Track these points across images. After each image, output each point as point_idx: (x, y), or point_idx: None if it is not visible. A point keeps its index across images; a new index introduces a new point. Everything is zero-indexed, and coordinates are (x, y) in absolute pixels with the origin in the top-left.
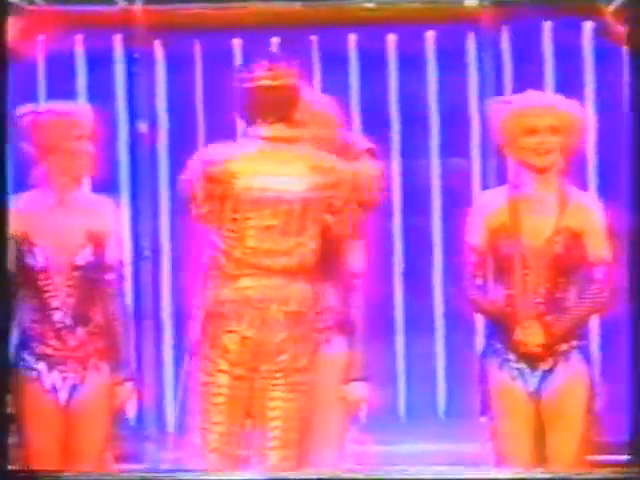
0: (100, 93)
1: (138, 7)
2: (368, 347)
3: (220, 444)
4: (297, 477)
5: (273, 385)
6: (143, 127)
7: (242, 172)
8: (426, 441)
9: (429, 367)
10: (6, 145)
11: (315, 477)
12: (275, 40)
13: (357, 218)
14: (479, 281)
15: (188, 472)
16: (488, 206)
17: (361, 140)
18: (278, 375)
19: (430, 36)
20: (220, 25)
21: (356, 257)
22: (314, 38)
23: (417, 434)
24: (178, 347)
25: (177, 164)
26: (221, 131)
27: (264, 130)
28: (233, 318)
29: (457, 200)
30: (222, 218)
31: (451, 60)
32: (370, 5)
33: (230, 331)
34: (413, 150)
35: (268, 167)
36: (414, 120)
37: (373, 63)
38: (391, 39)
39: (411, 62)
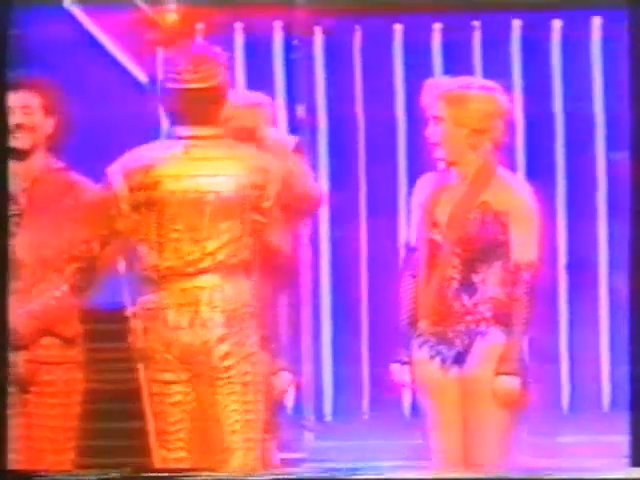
0: (260, 80)
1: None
2: (527, 340)
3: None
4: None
5: (215, 385)
6: (302, 112)
7: (166, 175)
8: (588, 433)
9: (593, 359)
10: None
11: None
12: (437, 26)
13: (288, 216)
14: None
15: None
16: None
17: (287, 136)
18: (209, 375)
19: (596, 23)
20: (380, 12)
21: (522, 248)
22: (476, 23)
23: (580, 426)
24: (335, 337)
25: (335, 148)
26: (379, 116)
27: (189, 130)
28: (159, 325)
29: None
30: (147, 226)
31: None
32: None
33: (156, 339)
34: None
35: (194, 168)
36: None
37: (536, 50)
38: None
39: (575, 48)
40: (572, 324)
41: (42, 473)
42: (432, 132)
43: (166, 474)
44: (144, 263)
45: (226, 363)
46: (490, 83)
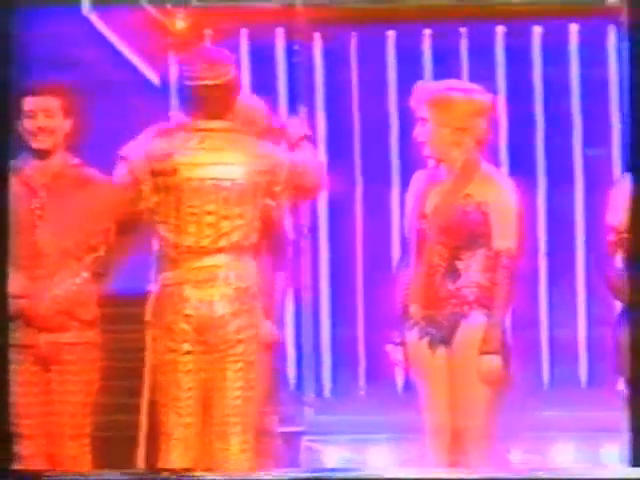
0: (263, 82)
1: (299, 3)
2: (508, 321)
3: (182, 435)
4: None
5: (226, 359)
6: (302, 112)
7: (184, 164)
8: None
9: (571, 339)
10: (8, 135)
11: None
12: (427, 32)
13: (297, 202)
14: (616, 260)
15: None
16: None
17: (298, 126)
18: (222, 347)
19: (574, 30)
20: (374, 20)
21: (502, 236)
22: (463, 30)
23: (559, 402)
24: (335, 317)
25: (333, 145)
26: (373, 115)
27: (204, 124)
28: (178, 299)
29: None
30: (167, 208)
31: (591, 53)
32: (516, 0)
33: (176, 311)
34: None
35: (208, 158)
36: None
37: (518, 55)
38: (537, 32)
39: (555, 54)
40: (551, 307)
41: (50, 473)
42: (419, 132)
43: (174, 475)
44: (164, 242)
45: (239, 337)
46: (471, 85)
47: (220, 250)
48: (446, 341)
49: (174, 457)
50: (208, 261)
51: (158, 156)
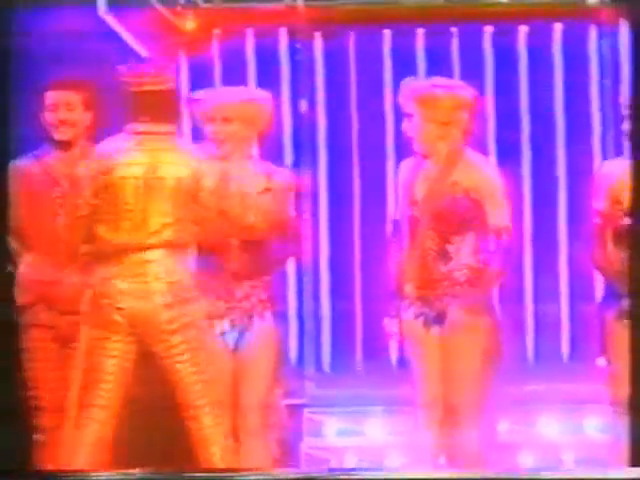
0: (268, 79)
1: (301, 4)
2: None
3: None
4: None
5: (163, 348)
6: (304, 107)
7: (120, 163)
8: (551, 382)
9: (554, 315)
10: (8, 132)
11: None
12: (420, 31)
13: (223, 203)
14: (601, 241)
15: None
16: None
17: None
18: (162, 338)
19: (557, 29)
20: (371, 20)
21: (497, 215)
22: (454, 30)
23: (543, 376)
24: (333, 298)
25: (332, 138)
26: (370, 108)
27: (144, 127)
28: (112, 293)
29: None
30: (105, 207)
31: (573, 51)
32: (504, 1)
33: (109, 305)
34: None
35: (143, 158)
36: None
37: (505, 53)
38: (522, 31)
39: (539, 54)
40: (536, 285)
41: (60, 473)
42: (407, 127)
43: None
44: (100, 240)
45: (172, 327)
46: (454, 81)
47: (151, 246)
48: (439, 320)
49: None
50: (140, 257)
51: (97, 158)
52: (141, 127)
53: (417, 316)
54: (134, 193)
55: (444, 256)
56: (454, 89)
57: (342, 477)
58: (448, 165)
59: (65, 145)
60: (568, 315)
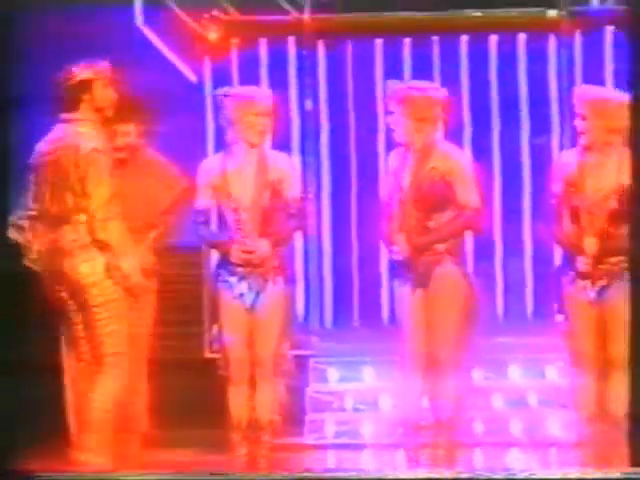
0: (278, 81)
1: (306, 17)
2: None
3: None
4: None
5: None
6: (309, 104)
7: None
8: (517, 336)
9: (520, 278)
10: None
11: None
12: (407, 41)
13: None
14: (557, 218)
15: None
16: None
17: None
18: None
19: (522, 39)
20: (365, 31)
21: (465, 194)
22: (435, 39)
23: (510, 330)
24: (335, 266)
25: (334, 132)
26: (365, 106)
27: (64, 115)
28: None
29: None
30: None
31: (536, 56)
32: (477, 14)
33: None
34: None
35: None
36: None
37: (479, 59)
38: (493, 40)
39: (507, 59)
40: (504, 252)
41: (43, 473)
42: (390, 122)
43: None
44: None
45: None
46: (429, 84)
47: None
48: (424, 284)
49: None
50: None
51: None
52: (63, 115)
53: (405, 281)
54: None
55: (426, 231)
56: (427, 91)
57: (343, 477)
58: (424, 154)
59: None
60: (532, 279)
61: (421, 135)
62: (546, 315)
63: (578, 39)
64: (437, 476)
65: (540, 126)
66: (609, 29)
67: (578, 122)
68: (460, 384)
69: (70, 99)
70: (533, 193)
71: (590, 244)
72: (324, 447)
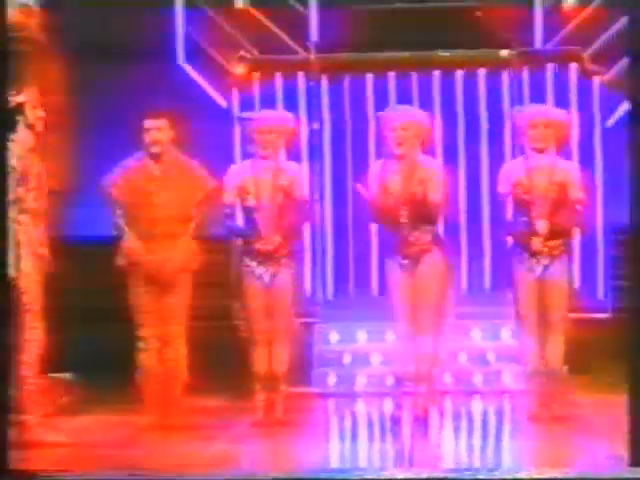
0: (291, 107)
1: (312, 58)
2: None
3: None
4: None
5: None
6: (315, 126)
7: None
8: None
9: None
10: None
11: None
12: (391, 75)
13: None
14: (506, 215)
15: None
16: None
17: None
18: None
19: (482, 74)
20: (359, 68)
21: (434, 192)
22: (414, 74)
23: (473, 300)
24: (335, 249)
25: (334, 147)
26: (359, 126)
27: None
28: None
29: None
30: None
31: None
32: (446, 54)
33: None
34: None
35: None
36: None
37: (448, 90)
38: (459, 77)
39: (471, 90)
40: (470, 243)
41: (43, 473)
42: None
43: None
44: None
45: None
46: (409, 108)
47: None
48: (413, 267)
49: None
50: None
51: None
52: None
53: (398, 265)
54: None
55: (415, 226)
56: (409, 117)
57: (344, 477)
58: (408, 166)
59: (156, 156)
60: (489, 261)
61: (403, 147)
62: (500, 289)
63: (525, 74)
64: (437, 476)
65: (495, 142)
66: (549, 65)
67: (531, 132)
68: (436, 343)
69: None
70: (490, 192)
71: (541, 227)
72: (326, 395)
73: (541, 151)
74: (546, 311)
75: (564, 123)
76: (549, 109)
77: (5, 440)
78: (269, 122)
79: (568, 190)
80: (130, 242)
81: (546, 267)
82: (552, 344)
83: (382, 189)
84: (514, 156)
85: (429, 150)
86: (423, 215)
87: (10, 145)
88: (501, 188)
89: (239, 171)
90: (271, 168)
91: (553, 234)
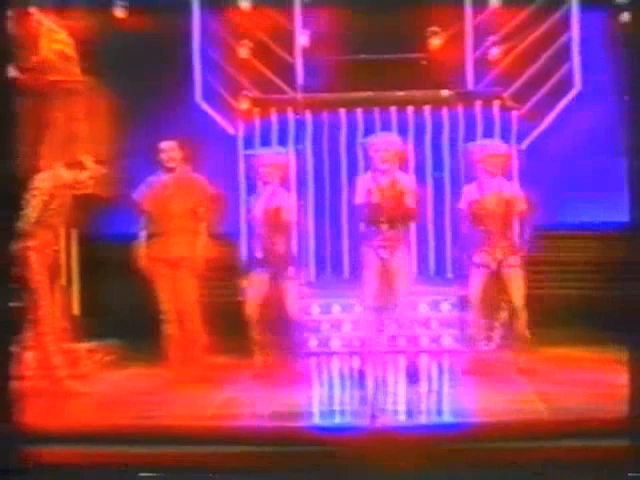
0: (282, 135)
1: (299, 95)
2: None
3: None
4: None
5: None
6: (301, 148)
7: None
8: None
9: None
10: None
11: None
12: (359, 110)
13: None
14: (465, 224)
15: None
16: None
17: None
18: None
19: (427, 110)
20: (335, 105)
21: (409, 200)
22: (376, 112)
23: (439, 282)
24: (317, 242)
25: (316, 167)
26: (336, 152)
27: None
28: None
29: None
30: None
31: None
32: (401, 93)
33: None
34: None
35: None
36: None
37: (419, 126)
38: (410, 112)
39: (436, 125)
40: (437, 239)
41: (44, 467)
42: (375, 161)
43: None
44: None
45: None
46: (390, 134)
47: None
48: (387, 258)
49: None
50: None
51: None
52: None
53: (375, 254)
54: None
55: (392, 225)
56: (388, 145)
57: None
58: (390, 178)
59: (171, 169)
60: (451, 254)
61: (390, 166)
62: (461, 276)
63: (460, 108)
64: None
65: (454, 168)
66: (478, 102)
67: (486, 160)
68: (402, 315)
69: None
70: (451, 207)
71: (494, 231)
72: (309, 354)
73: (493, 175)
74: (498, 294)
75: (508, 154)
76: (498, 143)
77: (11, 437)
78: (262, 158)
79: (514, 205)
80: (148, 243)
81: (500, 262)
82: (500, 320)
83: (368, 196)
84: (467, 179)
85: (404, 168)
86: (399, 218)
87: None
88: (461, 204)
89: (252, 198)
90: (268, 193)
91: (502, 238)
